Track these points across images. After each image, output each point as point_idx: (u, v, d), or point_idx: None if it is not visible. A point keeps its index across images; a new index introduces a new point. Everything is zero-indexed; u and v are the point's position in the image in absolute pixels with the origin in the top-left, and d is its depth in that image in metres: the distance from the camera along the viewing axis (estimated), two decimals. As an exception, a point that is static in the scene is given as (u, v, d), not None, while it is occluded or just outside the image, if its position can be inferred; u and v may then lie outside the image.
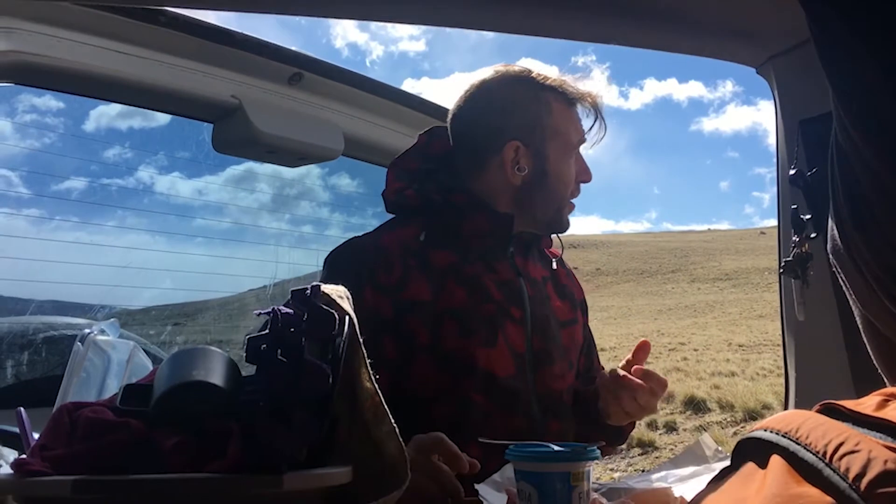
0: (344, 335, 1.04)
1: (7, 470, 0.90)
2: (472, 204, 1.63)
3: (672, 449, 10.47)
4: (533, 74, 1.65)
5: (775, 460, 0.47)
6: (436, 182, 1.66)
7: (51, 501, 0.88)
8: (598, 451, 1.14)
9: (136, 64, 1.86)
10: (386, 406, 1.03)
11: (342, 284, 1.11)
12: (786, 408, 1.62)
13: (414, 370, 1.52)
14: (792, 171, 1.39)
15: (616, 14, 1.35)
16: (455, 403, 1.53)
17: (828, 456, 0.44)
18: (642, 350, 1.56)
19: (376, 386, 1.03)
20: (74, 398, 1.16)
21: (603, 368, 1.80)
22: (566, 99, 1.64)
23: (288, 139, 2.17)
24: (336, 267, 1.59)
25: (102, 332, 1.22)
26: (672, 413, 12.50)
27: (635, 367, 1.55)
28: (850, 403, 0.49)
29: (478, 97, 1.67)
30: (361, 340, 1.05)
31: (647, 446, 10.96)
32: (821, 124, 1.37)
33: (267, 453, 0.91)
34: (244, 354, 0.99)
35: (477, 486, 1.24)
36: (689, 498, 1.18)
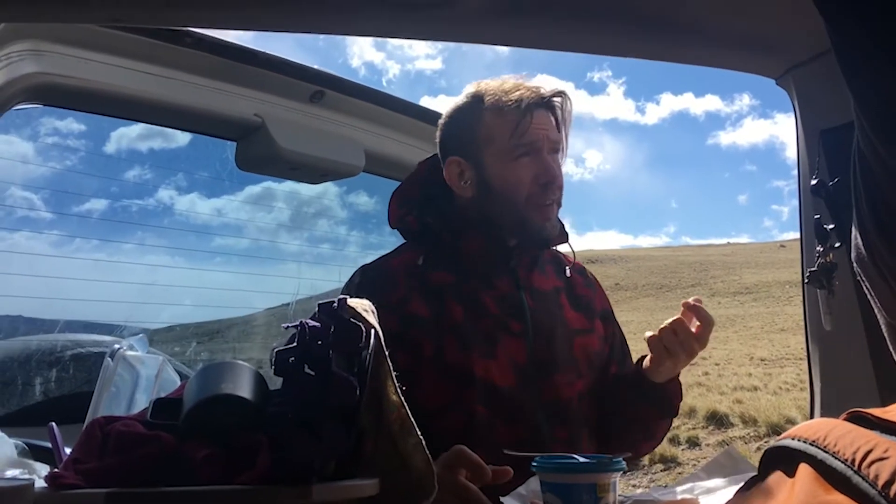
0: (370, 348, 1.04)
1: (41, 483, 0.92)
2: (466, 225, 1.69)
3: (694, 464, 10.36)
4: (478, 89, 1.71)
5: (803, 469, 0.47)
6: (434, 207, 1.73)
7: (84, 514, 0.89)
8: (624, 463, 1.14)
9: (162, 84, 1.89)
10: (412, 419, 1.04)
11: None
12: (811, 418, 1.61)
13: (421, 382, 1.54)
14: (814, 182, 1.39)
15: (634, 28, 1.35)
16: (460, 415, 1.57)
17: (856, 463, 0.44)
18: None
19: (402, 398, 1.04)
20: (104, 413, 1.17)
21: None
22: (497, 108, 1.65)
23: (310, 156, 2.20)
24: (349, 290, 1.65)
25: (132, 347, 1.24)
26: (694, 428, 12.38)
27: (683, 302, 1.59)
28: (877, 411, 0.49)
29: (441, 121, 1.78)
30: (387, 353, 1.06)
31: (669, 462, 10.86)
32: (842, 134, 1.37)
33: (296, 465, 0.92)
34: (271, 370, 1.00)
35: (502, 499, 1.25)
36: (716, 509, 1.17)
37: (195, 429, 0.95)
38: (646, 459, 10.74)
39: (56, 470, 0.94)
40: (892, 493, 0.41)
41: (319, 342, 0.98)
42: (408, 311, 1.60)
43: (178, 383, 1.26)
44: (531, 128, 1.63)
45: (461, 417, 1.57)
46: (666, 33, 1.36)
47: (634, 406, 1.68)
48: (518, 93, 1.65)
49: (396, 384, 1.05)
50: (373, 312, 1.13)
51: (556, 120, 1.67)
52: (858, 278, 0.60)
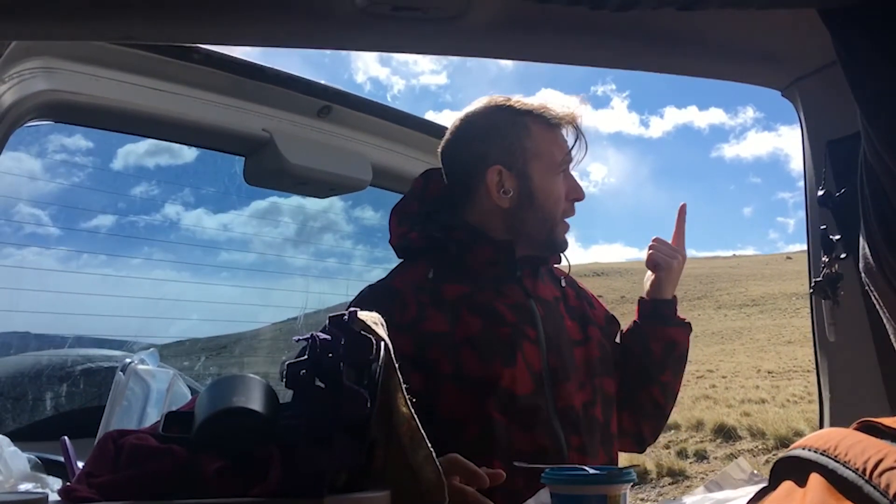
0: (380, 361, 1.05)
1: (55, 497, 0.92)
2: (473, 237, 1.70)
3: (703, 478, 10.31)
4: (512, 101, 1.74)
5: (814, 478, 0.47)
6: (436, 222, 1.74)
7: (98, 527, 0.90)
8: (634, 474, 1.14)
9: (172, 100, 1.91)
10: (422, 431, 1.04)
11: None
12: (820, 429, 1.61)
13: (440, 397, 1.56)
14: (820, 192, 1.39)
15: (641, 41, 1.36)
16: (479, 425, 1.57)
17: (868, 473, 0.43)
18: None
19: (412, 411, 1.05)
20: (116, 426, 1.18)
21: None
22: (545, 122, 1.72)
23: (318, 171, 2.21)
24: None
25: (143, 361, 1.25)
26: (702, 441, 12.32)
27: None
28: (888, 421, 0.49)
29: (461, 129, 1.76)
30: (397, 366, 1.06)
31: (677, 475, 10.81)
32: (848, 145, 1.37)
33: (307, 478, 0.92)
34: (280, 383, 1.01)
35: None
36: (726, 520, 1.17)
37: (207, 442, 0.96)
38: (654, 472, 10.69)
39: (70, 484, 0.94)
40: None
41: (330, 354, 0.99)
42: (424, 327, 1.60)
43: (189, 397, 1.26)
44: (566, 146, 1.73)
45: (479, 427, 1.56)
46: (672, 46, 1.36)
47: (646, 350, 1.84)
48: (564, 110, 1.73)
49: (406, 396, 1.05)
50: (382, 325, 1.14)
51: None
52: (867, 288, 0.60)
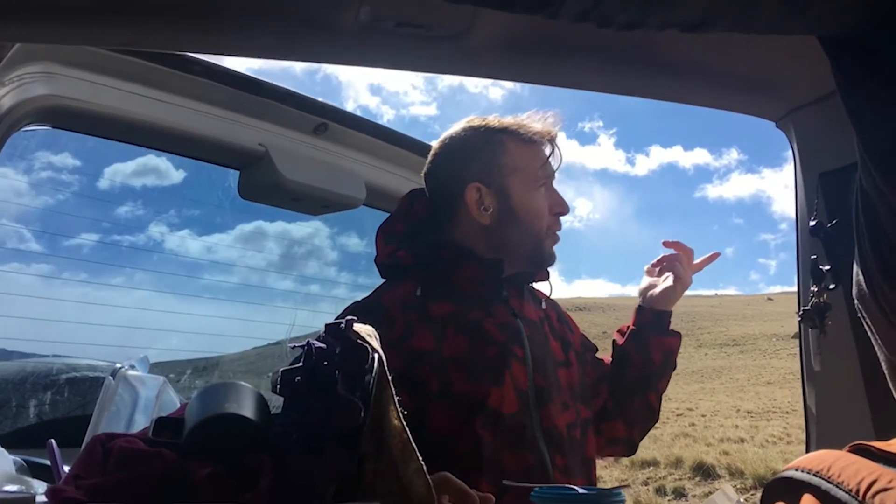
0: (373, 373, 1.04)
1: (42, 499, 0.91)
2: (461, 255, 1.71)
3: (680, 516, 10.27)
4: (488, 121, 1.76)
5: (807, 499, 0.47)
6: (423, 240, 1.74)
7: (85, 529, 0.89)
8: (624, 495, 1.14)
9: (170, 111, 1.91)
10: (414, 444, 1.04)
11: None
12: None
13: (427, 415, 1.55)
14: (812, 223, 1.41)
15: (638, 67, 1.38)
16: (466, 443, 1.56)
17: (861, 494, 0.44)
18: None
19: (404, 423, 1.04)
20: (104, 431, 1.16)
21: None
22: (520, 137, 1.73)
23: (312, 187, 2.21)
24: None
25: (133, 367, 1.24)
26: (681, 479, 12.30)
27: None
28: (880, 444, 0.50)
29: (440, 151, 1.79)
30: (390, 378, 1.06)
31: (655, 512, 10.76)
32: (841, 177, 1.39)
33: (298, 487, 0.91)
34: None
35: None
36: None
37: (197, 447, 0.95)
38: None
39: (57, 485, 0.93)
40: None
41: (325, 363, 0.99)
42: (411, 345, 1.59)
43: (178, 405, 1.25)
44: (550, 160, 1.74)
45: (466, 446, 1.56)
46: (671, 73, 1.38)
47: (647, 360, 1.86)
48: (540, 125, 1.74)
49: (399, 409, 1.05)
50: (376, 338, 1.14)
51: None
52: (859, 315, 0.61)
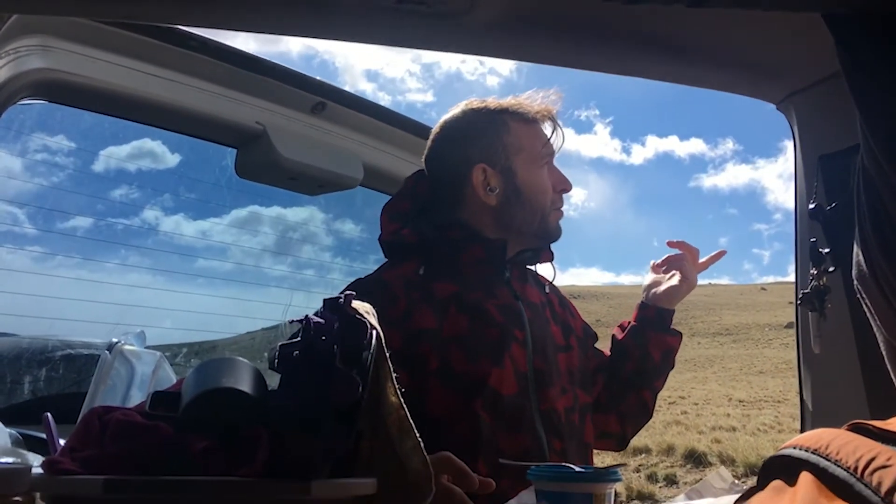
0: (371, 349, 1.04)
1: (38, 471, 0.90)
2: (467, 236, 1.72)
3: (672, 502, 10.32)
4: (488, 102, 1.77)
5: (805, 477, 0.47)
6: (428, 220, 1.75)
7: (80, 501, 0.88)
8: (620, 474, 1.14)
9: (166, 86, 1.90)
10: (411, 420, 1.04)
11: None
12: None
13: (426, 394, 1.56)
14: (811, 206, 1.41)
15: (640, 46, 1.37)
16: (464, 424, 1.57)
17: (859, 471, 0.43)
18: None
19: (402, 400, 1.04)
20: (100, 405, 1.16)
21: None
22: (522, 117, 1.75)
23: (309, 166, 2.20)
24: None
25: (129, 342, 1.23)
26: (672, 466, 12.38)
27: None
28: (878, 423, 0.49)
29: (442, 134, 1.80)
30: (388, 354, 1.06)
31: (646, 499, 10.84)
32: (841, 159, 1.38)
33: (295, 461, 0.91)
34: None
35: None
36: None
37: (194, 421, 0.94)
38: (623, 496, 10.70)
39: (52, 457, 0.92)
40: (895, 501, 0.40)
41: (324, 337, 0.98)
42: (413, 324, 1.60)
43: (174, 381, 1.25)
44: (547, 139, 1.76)
45: (464, 425, 1.57)
46: (672, 53, 1.37)
47: (646, 356, 1.87)
48: (541, 105, 1.76)
49: (396, 386, 1.05)
50: (374, 315, 1.13)
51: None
52: (858, 295, 0.60)
